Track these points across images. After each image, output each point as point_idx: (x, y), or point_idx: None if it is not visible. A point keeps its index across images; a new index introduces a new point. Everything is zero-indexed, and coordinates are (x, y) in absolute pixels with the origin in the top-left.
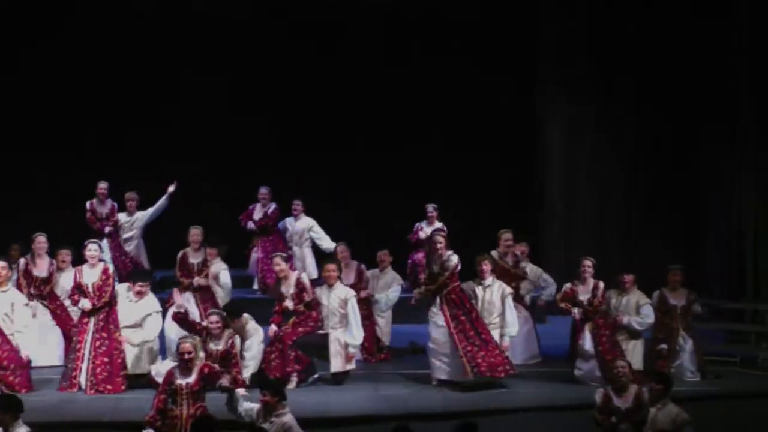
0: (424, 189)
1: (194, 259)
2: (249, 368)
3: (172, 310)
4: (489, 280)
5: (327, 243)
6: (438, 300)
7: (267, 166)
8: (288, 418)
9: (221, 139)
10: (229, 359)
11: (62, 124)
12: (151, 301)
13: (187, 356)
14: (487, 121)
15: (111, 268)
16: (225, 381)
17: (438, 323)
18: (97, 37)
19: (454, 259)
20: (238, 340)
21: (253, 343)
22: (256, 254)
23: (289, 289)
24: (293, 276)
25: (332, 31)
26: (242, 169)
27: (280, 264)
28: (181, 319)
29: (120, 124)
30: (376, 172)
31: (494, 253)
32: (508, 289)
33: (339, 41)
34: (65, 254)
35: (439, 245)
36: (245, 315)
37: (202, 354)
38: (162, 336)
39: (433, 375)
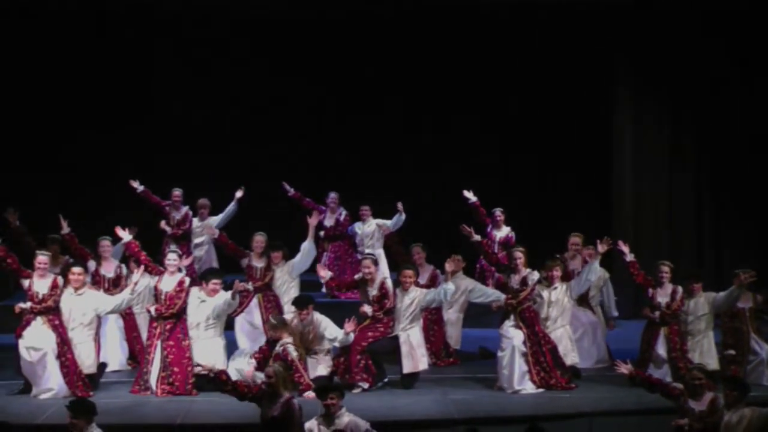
0: (495, 190)
1: (257, 264)
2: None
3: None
4: (557, 283)
5: (389, 222)
6: (513, 316)
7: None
8: (349, 416)
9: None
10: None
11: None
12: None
13: (268, 379)
14: (562, 122)
15: (187, 281)
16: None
17: (510, 337)
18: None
19: (536, 276)
20: (291, 348)
21: (329, 327)
22: (324, 259)
23: (372, 291)
24: (378, 279)
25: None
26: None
27: (370, 267)
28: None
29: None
30: (448, 176)
31: (566, 255)
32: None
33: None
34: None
35: (518, 261)
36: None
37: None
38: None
39: (500, 382)
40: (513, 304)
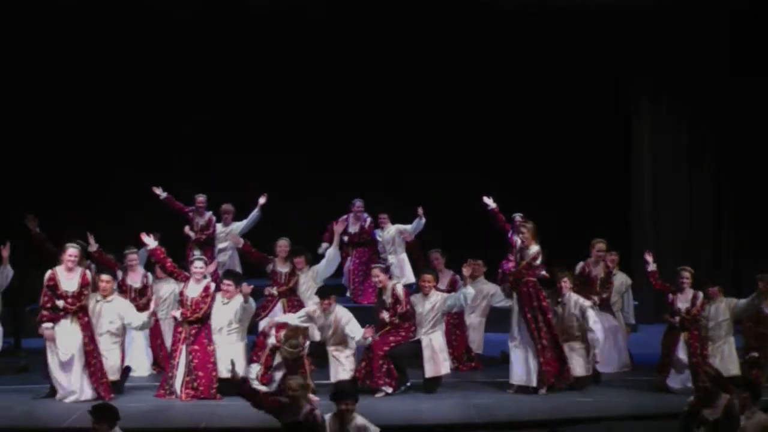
0: (512, 197)
1: (282, 269)
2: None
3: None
4: (566, 296)
5: (409, 227)
6: (515, 295)
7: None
8: (360, 419)
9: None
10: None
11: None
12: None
13: (291, 393)
14: (578, 125)
15: (213, 287)
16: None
17: (518, 338)
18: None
19: (534, 248)
20: (306, 343)
21: (351, 323)
22: (349, 264)
23: (387, 299)
24: (389, 287)
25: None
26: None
27: (378, 275)
28: None
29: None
30: (466, 182)
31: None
32: (587, 303)
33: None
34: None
35: (522, 235)
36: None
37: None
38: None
39: (511, 380)
40: (512, 281)
